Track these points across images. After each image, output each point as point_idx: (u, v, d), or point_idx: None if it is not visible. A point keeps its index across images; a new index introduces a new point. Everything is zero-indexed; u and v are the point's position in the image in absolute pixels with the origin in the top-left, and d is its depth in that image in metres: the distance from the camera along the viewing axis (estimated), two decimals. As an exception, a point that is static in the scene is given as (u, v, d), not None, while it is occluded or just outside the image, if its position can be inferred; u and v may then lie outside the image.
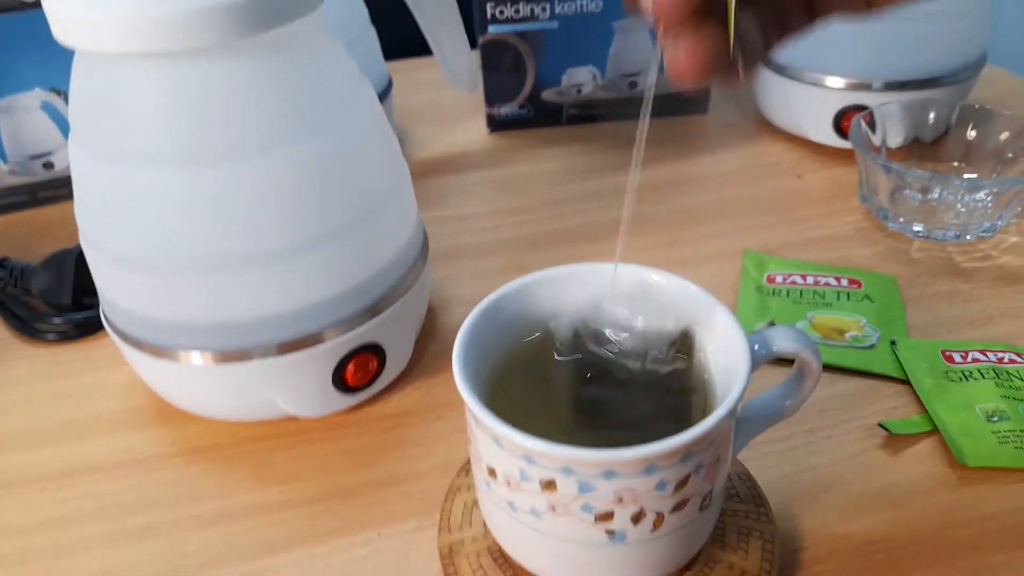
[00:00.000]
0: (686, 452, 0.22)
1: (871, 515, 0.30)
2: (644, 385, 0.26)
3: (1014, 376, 0.34)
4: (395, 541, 0.30)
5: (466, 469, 0.31)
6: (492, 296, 0.27)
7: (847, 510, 0.30)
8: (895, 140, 0.49)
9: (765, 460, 0.32)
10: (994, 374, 0.34)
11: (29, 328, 0.42)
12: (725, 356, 0.25)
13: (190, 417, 0.36)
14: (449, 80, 0.41)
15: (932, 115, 0.48)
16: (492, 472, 0.24)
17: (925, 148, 0.49)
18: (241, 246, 0.30)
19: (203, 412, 0.35)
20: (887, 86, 0.49)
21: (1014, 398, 0.33)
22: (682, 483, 0.22)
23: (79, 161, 0.31)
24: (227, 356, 0.32)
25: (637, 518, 0.23)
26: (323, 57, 0.31)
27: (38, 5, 0.47)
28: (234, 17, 0.27)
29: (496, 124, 0.59)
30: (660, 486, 0.22)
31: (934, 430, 0.32)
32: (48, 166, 0.52)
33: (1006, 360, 0.35)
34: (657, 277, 0.28)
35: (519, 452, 0.22)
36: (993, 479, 0.31)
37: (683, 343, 0.26)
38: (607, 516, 0.22)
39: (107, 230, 0.32)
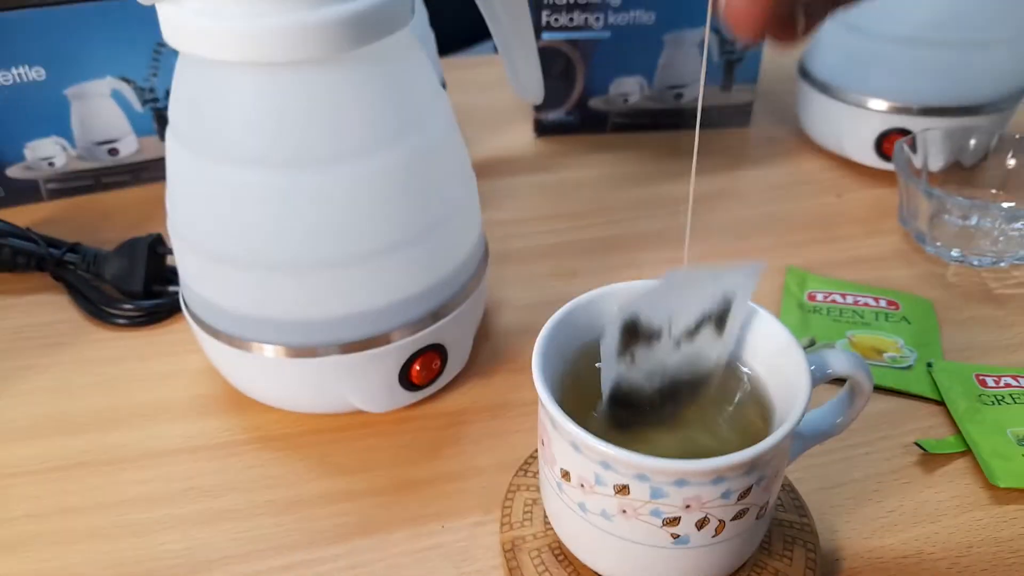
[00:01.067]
0: (751, 465, 0.24)
1: (906, 530, 0.32)
2: (701, 391, 0.28)
3: (1045, 402, 0.36)
4: (458, 534, 0.32)
5: (524, 468, 0.33)
6: (563, 309, 0.29)
7: (883, 524, 0.32)
8: (936, 164, 0.50)
9: (808, 472, 0.33)
10: (1026, 400, 0.36)
11: (101, 312, 0.44)
12: (783, 373, 0.27)
13: (261, 406, 0.38)
14: (515, 90, 0.43)
15: (973, 142, 0.49)
16: (566, 475, 0.26)
17: (965, 173, 0.50)
18: (325, 249, 0.32)
19: (274, 403, 0.37)
20: (929, 111, 0.51)
21: (1044, 423, 0.35)
22: (745, 493, 0.24)
23: (176, 155, 0.33)
24: (300, 351, 0.34)
25: (701, 524, 0.24)
26: (411, 67, 0.33)
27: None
28: (339, 33, 0.29)
29: (543, 129, 0.61)
30: (725, 495, 0.24)
31: (967, 451, 0.34)
32: (113, 152, 0.54)
33: (1038, 386, 0.37)
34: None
35: (597, 458, 0.24)
36: (1023, 500, 0.33)
37: (719, 319, 0.28)
38: (674, 521, 0.24)
39: (197, 223, 0.34)
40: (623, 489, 0.24)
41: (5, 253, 0.46)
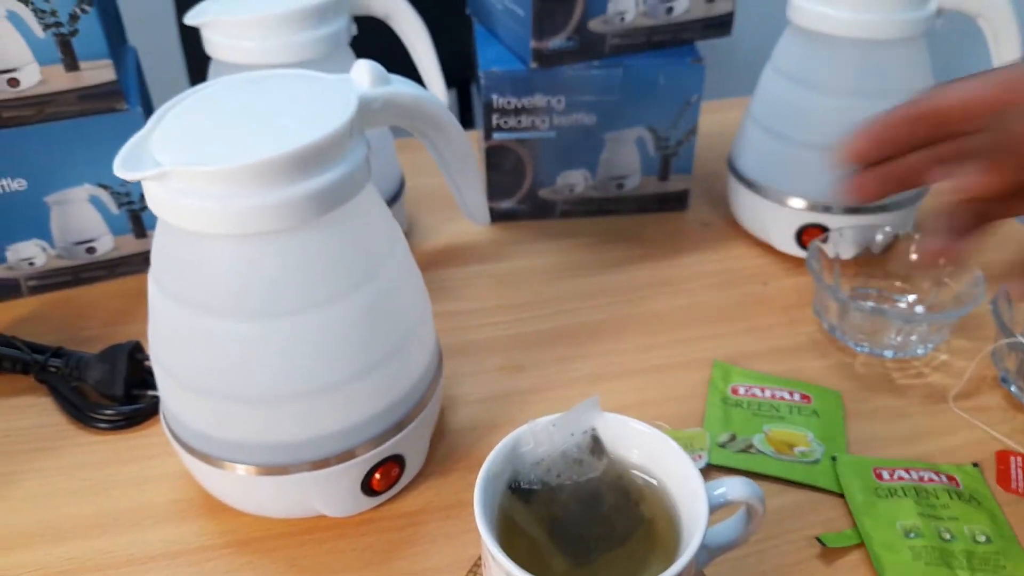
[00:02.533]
0: (658, 590, 0.28)
1: (807, 617, 0.36)
2: (621, 507, 0.33)
3: (931, 495, 0.41)
4: (415, 632, 0.36)
5: (475, 569, 0.38)
6: (497, 448, 0.33)
7: (788, 612, 0.37)
8: (847, 254, 0.55)
9: (723, 567, 0.38)
10: (915, 492, 0.41)
11: (84, 416, 0.47)
12: (687, 498, 0.32)
13: (233, 511, 0.41)
14: (463, 212, 0.47)
15: (879, 237, 0.55)
16: (504, 596, 0.30)
17: (875, 260, 0.56)
18: (290, 385, 0.36)
19: (245, 510, 0.41)
20: (843, 209, 0.56)
21: (929, 516, 0.40)
22: (654, 611, 0.29)
23: (157, 298, 0.37)
24: (269, 470, 0.38)
25: (617, 640, 0.29)
26: (370, 220, 0.37)
27: (90, 113, 0.52)
28: (303, 206, 0.33)
29: (496, 216, 0.65)
30: (636, 617, 0.28)
31: (861, 543, 0.39)
32: (91, 251, 0.58)
33: (926, 479, 0.42)
34: (638, 427, 0.34)
35: (527, 589, 0.28)
36: (907, 587, 0.37)
37: (595, 446, 0.34)
38: (594, 638, 0.29)
39: (174, 357, 0.37)
40: (550, 612, 0.28)
41: (-9, 359, 0.49)
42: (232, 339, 0.35)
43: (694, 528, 0.30)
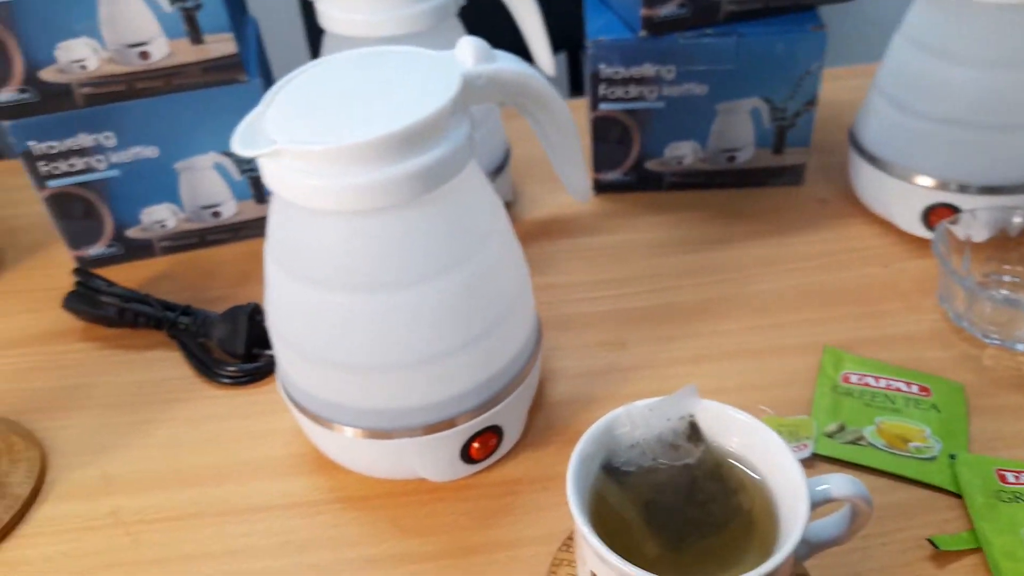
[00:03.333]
0: (755, 584, 0.28)
1: (912, 619, 0.35)
2: (718, 496, 0.32)
3: (1060, 501, 0.38)
4: (512, 598, 0.37)
5: (566, 544, 0.38)
6: (592, 428, 0.33)
7: (892, 612, 0.35)
8: (979, 236, 0.52)
9: (825, 561, 0.37)
10: (1042, 497, 0.38)
11: (209, 371, 0.51)
12: (788, 490, 0.31)
13: (342, 469, 0.44)
14: (566, 188, 0.47)
15: (1017, 219, 0.51)
16: (594, 575, 0.30)
17: (1010, 244, 0.52)
18: (396, 355, 0.37)
19: (352, 468, 0.43)
20: (974, 188, 0.52)
21: (1057, 522, 0.37)
22: (750, 605, 0.28)
23: (273, 273, 0.39)
24: (374, 434, 0.40)
25: (708, 629, 0.29)
26: (472, 198, 0.37)
27: (213, 84, 0.55)
28: (410, 184, 0.34)
29: (601, 187, 0.65)
30: (731, 608, 0.28)
31: (979, 548, 0.37)
32: (216, 214, 0.61)
33: (1056, 484, 0.39)
34: (739, 417, 0.33)
35: (617, 572, 0.28)
36: (1027, 598, 0.35)
37: (692, 432, 0.33)
38: (686, 626, 0.29)
39: (290, 327, 0.39)
40: (642, 596, 0.29)
41: (128, 315, 0.53)
42: (337, 310, 0.37)
43: (793, 524, 0.29)
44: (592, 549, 0.29)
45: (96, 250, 0.61)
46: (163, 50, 0.53)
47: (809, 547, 0.33)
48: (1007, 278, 0.51)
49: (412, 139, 0.33)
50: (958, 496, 0.40)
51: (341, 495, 0.43)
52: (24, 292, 0.59)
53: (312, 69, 0.38)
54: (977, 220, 0.51)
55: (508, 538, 0.40)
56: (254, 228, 0.63)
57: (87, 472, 0.45)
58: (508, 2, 0.57)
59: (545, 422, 0.46)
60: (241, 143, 0.34)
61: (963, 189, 0.53)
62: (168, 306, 0.54)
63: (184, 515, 0.42)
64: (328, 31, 0.54)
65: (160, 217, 0.60)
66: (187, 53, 0.54)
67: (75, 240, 0.60)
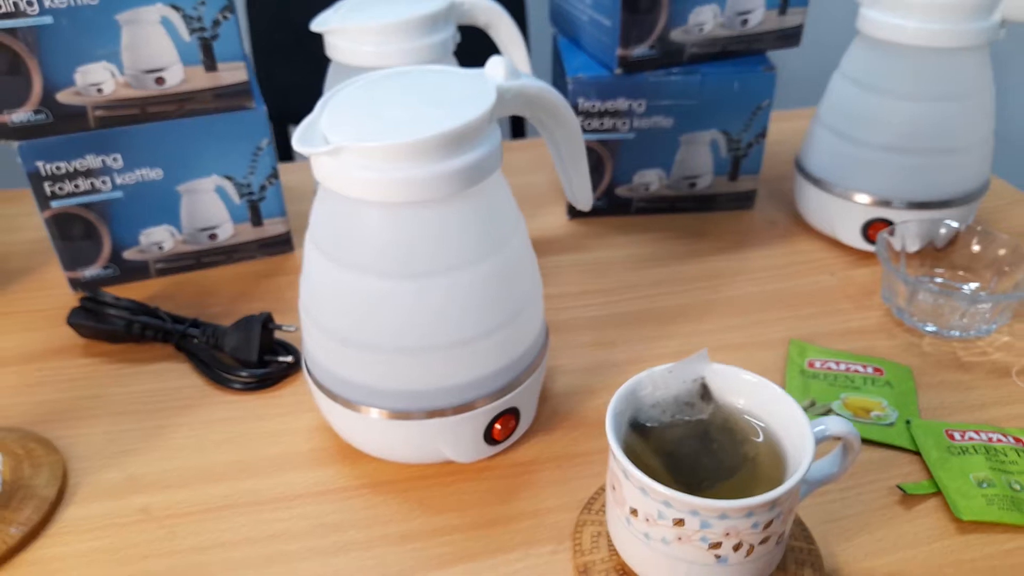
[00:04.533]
0: (774, 503, 0.33)
1: (891, 554, 0.40)
2: (729, 446, 0.37)
3: (1000, 453, 0.45)
4: (538, 560, 0.40)
5: (587, 507, 0.42)
6: (621, 389, 0.38)
7: (873, 550, 0.41)
8: (913, 247, 0.60)
9: (813, 510, 0.42)
10: (985, 450, 0.45)
11: (221, 378, 0.53)
12: (793, 435, 0.36)
13: (368, 457, 0.46)
14: (569, 198, 0.53)
15: (943, 231, 0.59)
16: (634, 512, 0.35)
17: (938, 254, 0.60)
18: (427, 339, 0.41)
19: (379, 455, 0.46)
20: (906, 204, 0.61)
21: (999, 470, 0.44)
22: (768, 524, 0.33)
23: (312, 256, 0.42)
24: (401, 415, 0.43)
25: (737, 547, 0.33)
26: (499, 199, 0.42)
27: (223, 110, 0.58)
28: (453, 180, 0.38)
29: (575, 212, 0.71)
30: (755, 525, 0.33)
31: (938, 492, 0.43)
32: (213, 236, 0.64)
33: (994, 440, 0.46)
34: (747, 377, 0.38)
35: (660, 499, 0.33)
36: (982, 530, 0.41)
37: (704, 392, 0.38)
38: (717, 545, 0.33)
39: (325, 311, 0.43)
40: (679, 522, 0.33)
41: (135, 328, 0.55)
42: (377, 294, 0.40)
43: (801, 458, 0.34)
44: (634, 483, 0.34)
45: (92, 271, 0.62)
46: (178, 76, 0.57)
47: (809, 485, 0.38)
48: (938, 280, 0.59)
49: (458, 140, 0.38)
50: (916, 453, 0.46)
51: (368, 481, 0.45)
52: (21, 313, 0.60)
53: (356, 83, 0.42)
54: (910, 232, 0.59)
55: (531, 509, 0.43)
56: (248, 251, 0.65)
57: (110, 474, 0.46)
58: (499, 41, 0.64)
59: (552, 410, 0.50)
60: (301, 142, 0.38)
61: (897, 205, 0.61)
62: (176, 319, 0.56)
63: (216, 507, 0.44)
64: (335, 60, 0.59)
65: (158, 239, 0.62)
66: (201, 80, 0.57)
67: (72, 261, 0.61)
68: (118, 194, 0.60)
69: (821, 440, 0.35)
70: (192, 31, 0.56)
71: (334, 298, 0.42)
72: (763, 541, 0.34)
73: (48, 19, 0.52)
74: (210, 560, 0.41)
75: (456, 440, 0.44)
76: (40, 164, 0.57)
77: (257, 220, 0.64)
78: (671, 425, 0.38)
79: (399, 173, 0.38)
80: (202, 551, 0.42)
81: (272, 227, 0.65)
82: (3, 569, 0.41)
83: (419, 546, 0.41)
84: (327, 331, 0.43)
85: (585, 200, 0.52)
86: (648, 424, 0.38)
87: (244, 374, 0.53)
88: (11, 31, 0.52)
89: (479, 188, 0.40)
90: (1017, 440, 0.46)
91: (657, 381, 0.38)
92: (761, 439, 0.38)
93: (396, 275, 0.40)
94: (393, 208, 0.39)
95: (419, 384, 0.42)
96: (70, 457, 0.47)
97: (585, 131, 0.66)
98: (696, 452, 0.37)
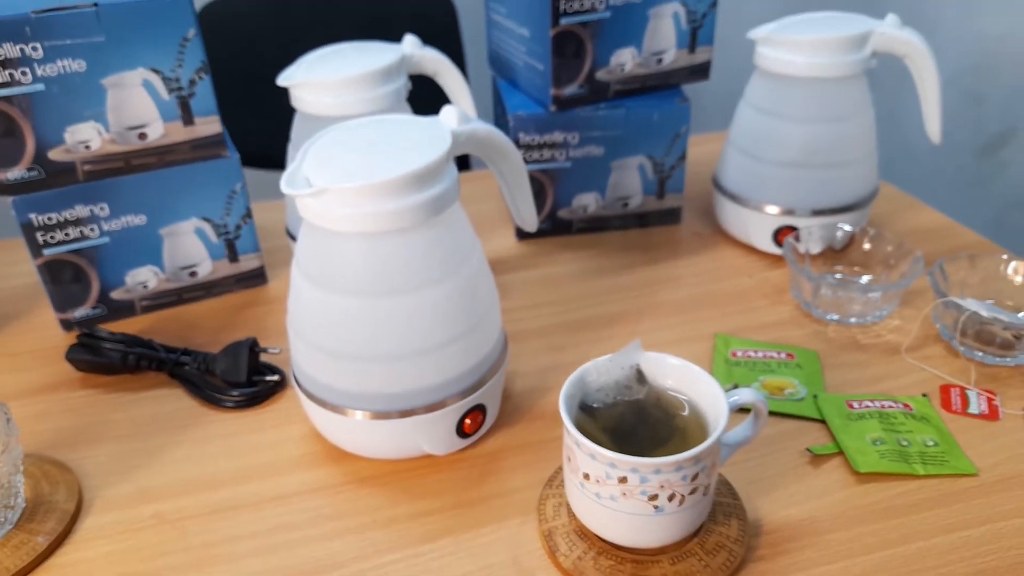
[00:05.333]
0: (698, 458, 0.40)
1: (804, 504, 0.48)
2: (661, 420, 0.45)
3: (891, 416, 0.53)
4: (509, 531, 0.47)
5: (549, 483, 0.49)
6: (571, 376, 0.45)
7: (789, 501, 0.48)
8: (815, 249, 0.69)
9: (736, 470, 0.50)
10: (878, 416, 0.53)
11: (214, 399, 0.58)
12: (712, 406, 0.44)
13: (353, 457, 0.53)
14: (516, 220, 0.60)
15: (839, 234, 0.68)
16: (586, 476, 0.42)
17: (837, 254, 0.69)
18: (402, 347, 0.48)
19: (363, 453, 0.52)
20: (808, 212, 0.70)
21: (890, 430, 0.52)
22: (695, 476, 0.41)
23: (299, 284, 0.49)
24: (382, 415, 0.49)
25: (671, 498, 0.41)
26: (459, 224, 0.49)
27: (200, 159, 0.65)
28: (421, 211, 0.45)
29: (522, 234, 0.78)
30: (684, 478, 0.40)
31: (840, 452, 0.51)
32: (193, 274, 0.70)
33: (887, 406, 0.54)
34: (673, 362, 0.46)
35: (607, 462, 0.40)
36: (876, 480, 0.50)
37: (639, 376, 0.46)
38: (655, 497, 0.40)
39: (309, 326, 0.49)
40: (623, 479, 0.40)
41: (131, 359, 0.60)
42: (354, 311, 0.47)
43: (718, 422, 0.42)
44: (585, 451, 0.41)
45: (82, 312, 0.67)
46: (159, 131, 0.63)
47: (729, 448, 0.46)
48: (837, 276, 0.68)
49: (422, 178, 0.45)
50: (822, 422, 0.54)
51: (356, 477, 0.52)
52: (17, 354, 0.65)
53: (330, 132, 0.49)
54: (812, 236, 0.68)
55: (500, 490, 0.50)
56: (226, 285, 0.71)
57: (121, 488, 0.52)
58: (447, 88, 0.71)
59: (513, 407, 0.57)
60: (288, 186, 0.45)
61: (800, 213, 0.70)
62: (169, 349, 0.61)
63: (221, 509, 0.50)
64: (299, 111, 0.66)
65: (143, 278, 0.68)
66: (179, 133, 0.63)
67: (63, 303, 0.66)
68: (105, 240, 0.65)
69: (735, 408, 0.43)
70: (171, 91, 0.62)
71: (318, 315, 0.48)
72: (692, 492, 0.41)
73: (40, 86, 0.58)
74: (220, 552, 0.47)
75: (432, 435, 0.51)
76: (33, 216, 0.62)
77: (234, 256, 0.70)
78: (613, 405, 0.45)
79: (373, 208, 0.45)
80: (212, 546, 0.47)
81: (247, 262, 0.71)
82: (35, 573, 0.46)
83: (405, 527, 0.48)
84: (313, 345, 0.49)
85: (531, 222, 0.60)
86: (594, 405, 0.45)
87: (235, 393, 0.58)
88: (7, 98, 0.57)
89: (441, 217, 0.47)
90: (905, 406, 0.55)
91: (600, 369, 0.46)
92: (687, 412, 0.45)
93: (372, 294, 0.47)
94: (368, 237, 0.46)
95: (396, 387, 0.49)
96: (82, 475, 0.53)
97: (527, 162, 0.74)
98: (634, 425, 0.45)
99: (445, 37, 1.17)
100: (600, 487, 0.41)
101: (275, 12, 1.17)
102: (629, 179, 0.76)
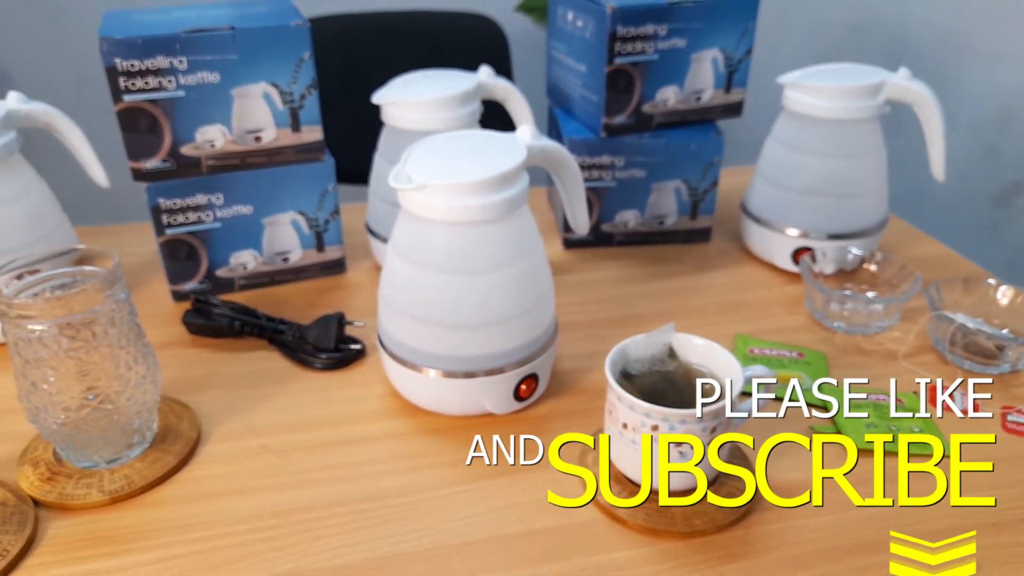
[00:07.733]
0: (715, 414, 0.50)
1: (805, 470, 0.57)
2: (687, 388, 0.54)
3: (881, 406, 0.62)
4: (556, 475, 0.57)
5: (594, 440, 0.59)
6: (615, 347, 0.55)
7: (793, 468, 0.58)
8: (828, 269, 0.78)
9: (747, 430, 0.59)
10: (872, 406, 0.63)
11: (307, 361, 0.69)
12: (729, 376, 0.53)
13: (424, 411, 0.63)
14: (571, 223, 0.71)
15: (850, 256, 0.78)
16: (625, 425, 0.51)
17: (847, 274, 0.79)
18: (473, 317, 0.58)
19: (434, 408, 0.63)
20: (824, 235, 0.80)
21: (882, 417, 0.61)
22: (713, 429, 0.50)
23: (394, 261, 0.59)
24: (452, 375, 0.60)
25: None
26: (527, 221, 0.60)
27: (302, 161, 0.76)
28: (502, 207, 0.56)
29: (569, 244, 0.89)
30: (704, 429, 0.50)
31: (838, 432, 0.61)
32: (286, 259, 0.81)
33: (880, 399, 0.63)
34: (699, 342, 0.56)
35: (643, 412, 0.50)
36: (865, 455, 0.59)
37: (671, 352, 0.55)
38: (680, 444, 0.50)
39: (401, 297, 0.59)
40: (655, 427, 0.50)
41: (236, 325, 0.71)
42: (442, 285, 0.57)
43: (734, 388, 0.52)
44: (625, 404, 0.51)
45: (190, 285, 0.78)
46: (272, 136, 0.74)
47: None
48: (847, 293, 0.78)
49: (502, 181, 0.56)
50: (824, 408, 0.63)
51: (427, 427, 0.62)
52: (137, 315, 0.76)
53: (428, 142, 0.60)
54: (826, 257, 0.78)
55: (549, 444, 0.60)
56: (312, 272, 0.82)
57: (233, 425, 0.62)
58: (513, 112, 0.82)
59: (560, 382, 0.67)
60: (395, 181, 0.56)
61: (816, 236, 0.80)
62: (269, 318, 0.72)
63: (317, 445, 0.60)
64: (388, 125, 0.77)
65: (244, 260, 0.79)
66: (288, 138, 0.75)
67: (175, 277, 0.78)
68: (217, 225, 0.77)
69: (748, 379, 0.53)
70: (285, 102, 0.74)
71: (408, 287, 0.59)
72: (711, 442, 0.51)
73: (181, 93, 0.70)
74: (317, 477, 0.57)
75: (493, 395, 0.61)
76: (161, 200, 0.74)
77: (321, 247, 0.82)
78: (648, 374, 0.55)
79: (462, 202, 0.55)
80: (311, 471, 0.58)
81: (331, 252, 0.82)
82: (169, 483, 0.56)
83: (469, 468, 0.58)
84: (401, 312, 0.60)
85: (584, 226, 0.70)
86: (633, 373, 0.55)
87: (324, 356, 0.69)
88: (155, 101, 0.69)
89: (515, 214, 0.58)
90: (898, 400, 0.64)
91: (639, 344, 0.56)
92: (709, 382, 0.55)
93: (455, 271, 0.57)
94: (457, 226, 0.56)
95: (467, 351, 0.59)
96: (199, 414, 0.63)
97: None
98: (665, 391, 0.54)
99: (498, 67, 1.29)
100: (635, 434, 0.51)
101: (342, 35, 1.30)
102: (666, 200, 0.87)
